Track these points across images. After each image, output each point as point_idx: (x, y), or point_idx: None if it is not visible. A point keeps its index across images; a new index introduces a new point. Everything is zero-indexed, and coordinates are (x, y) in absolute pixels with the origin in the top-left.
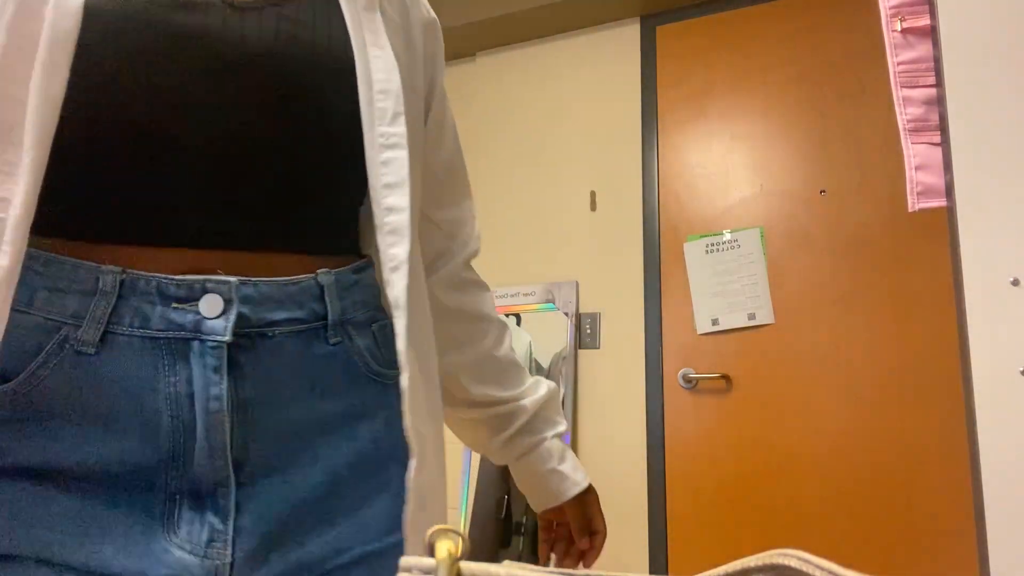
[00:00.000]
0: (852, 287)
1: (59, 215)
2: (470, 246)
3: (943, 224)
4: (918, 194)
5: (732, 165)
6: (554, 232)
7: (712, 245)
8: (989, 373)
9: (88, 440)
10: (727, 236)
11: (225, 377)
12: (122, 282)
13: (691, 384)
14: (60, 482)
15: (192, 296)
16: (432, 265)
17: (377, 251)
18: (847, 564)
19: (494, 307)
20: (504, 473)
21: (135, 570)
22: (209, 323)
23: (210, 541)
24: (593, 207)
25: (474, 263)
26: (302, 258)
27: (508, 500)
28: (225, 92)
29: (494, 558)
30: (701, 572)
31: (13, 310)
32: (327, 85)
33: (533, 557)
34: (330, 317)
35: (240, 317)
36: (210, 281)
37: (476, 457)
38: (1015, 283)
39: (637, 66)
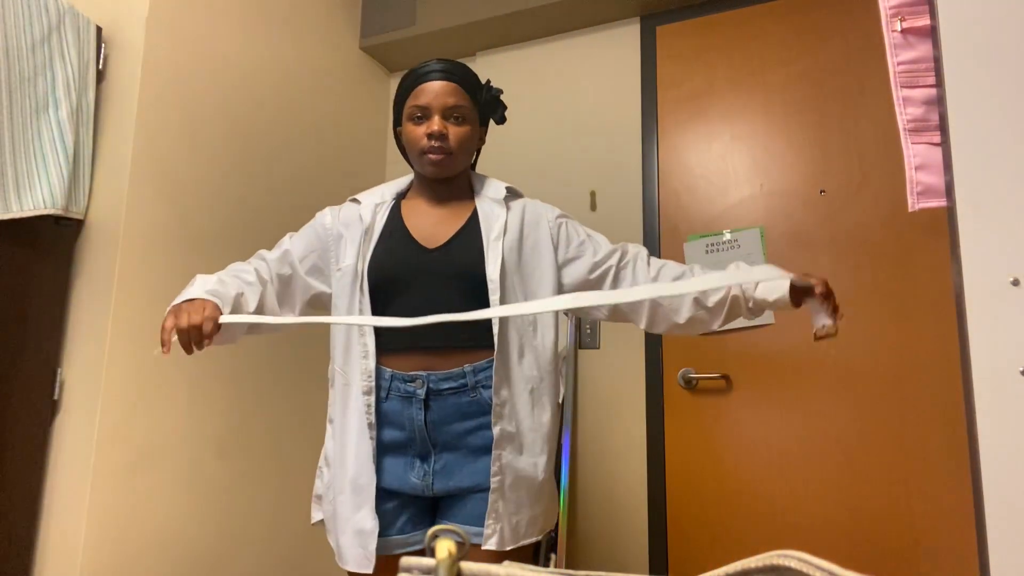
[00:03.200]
0: (852, 287)
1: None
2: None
3: (943, 224)
4: (918, 194)
5: (732, 165)
6: None
7: (712, 245)
8: (989, 373)
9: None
10: (727, 236)
11: (423, 410)
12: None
13: (691, 384)
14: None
15: (412, 379)
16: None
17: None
18: (847, 565)
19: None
20: None
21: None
22: (418, 391)
23: (424, 475)
24: (593, 207)
25: None
26: (460, 355)
27: None
28: (426, 290)
29: None
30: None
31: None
32: (464, 280)
33: (533, 557)
34: (468, 383)
35: (429, 387)
36: (419, 375)
37: None
38: (1015, 283)
39: (637, 66)
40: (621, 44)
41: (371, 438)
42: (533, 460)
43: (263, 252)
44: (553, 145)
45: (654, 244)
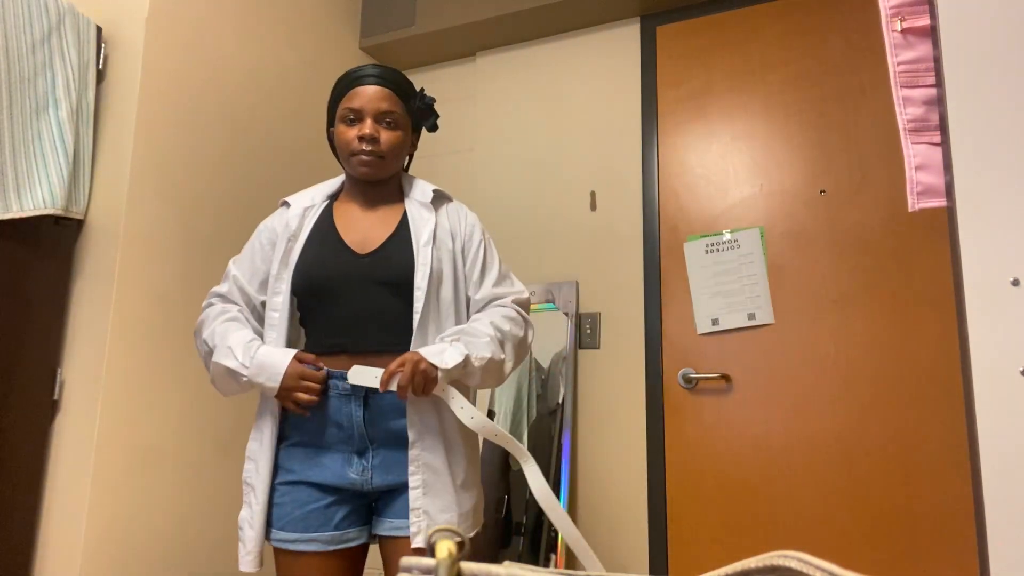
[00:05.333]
0: (852, 287)
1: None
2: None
3: (943, 224)
4: (918, 194)
5: (732, 165)
6: (554, 232)
7: (712, 245)
8: (989, 373)
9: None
10: (727, 236)
11: (362, 408)
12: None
13: (691, 384)
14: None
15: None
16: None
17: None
18: (847, 565)
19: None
20: (504, 473)
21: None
22: (357, 388)
23: (362, 471)
24: (593, 207)
25: None
26: (389, 358)
27: (508, 500)
28: (359, 297)
29: (494, 558)
30: (701, 573)
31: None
32: (396, 288)
33: (533, 557)
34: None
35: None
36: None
37: None
38: (1015, 283)
39: (637, 66)
40: (621, 44)
41: (274, 435)
42: (452, 457)
43: (217, 291)
44: (553, 145)
45: (654, 244)
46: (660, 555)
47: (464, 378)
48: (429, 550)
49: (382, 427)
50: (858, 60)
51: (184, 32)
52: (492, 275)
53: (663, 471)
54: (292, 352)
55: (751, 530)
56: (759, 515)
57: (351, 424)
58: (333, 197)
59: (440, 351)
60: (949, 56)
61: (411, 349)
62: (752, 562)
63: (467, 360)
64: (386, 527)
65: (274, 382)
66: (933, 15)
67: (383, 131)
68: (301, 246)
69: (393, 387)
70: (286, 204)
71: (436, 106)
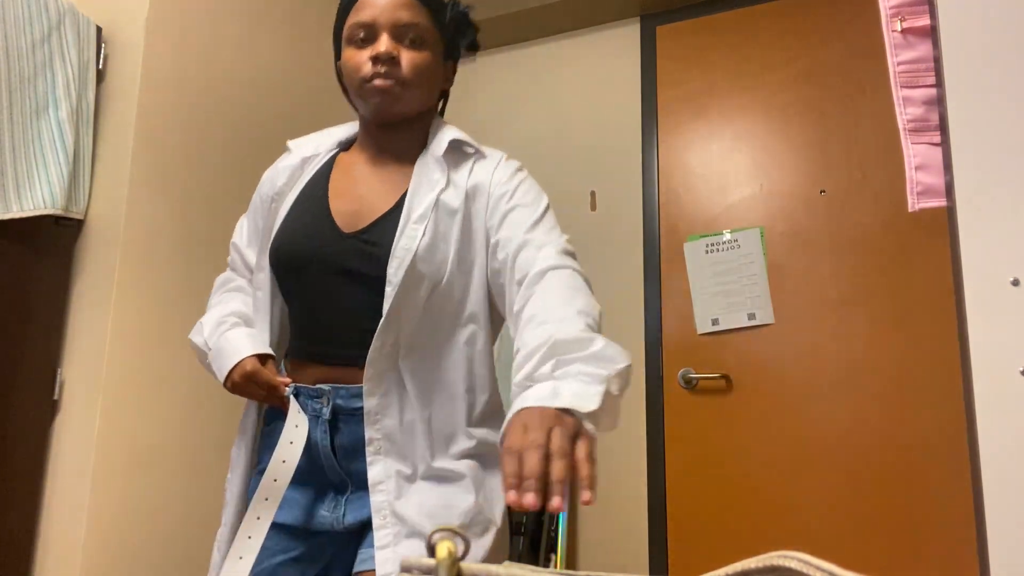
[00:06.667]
0: (852, 287)
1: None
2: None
3: (943, 224)
4: (918, 194)
5: (732, 165)
6: None
7: (712, 245)
8: (989, 373)
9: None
10: (727, 236)
11: (328, 434)
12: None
13: (691, 384)
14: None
15: (318, 395)
16: None
17: None
18: (847, 565)
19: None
20: None
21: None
22: (324, 409)
23: (335, 507)
24: (593, 207)
25: None
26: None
27: None
28: (334, 286)
29: None
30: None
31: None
32: (383, 280)
33: (533, 557)
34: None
35: (336, 405)
36: (323, 389)
37: None
38: (1015, 283)
39: (637, 66)
40: (621, 44)
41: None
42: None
43: (231, 265)
44: (553, 145)
45: (654, 244)
46: (660, 555)
47: (605, 420)
48: (429, 551)
49: (360, 461)
50: (858, 60)
51: (184, 32)
52: (524, 215)
53: (663, 471)
54: (256, 349)
55: (751, 530)
56: (759, 515)
57: (318, 454)
58: (344, 146)
59: (554, 392)
60: (949, 56)
61: (368, 371)
62: (752, 562)
63: (607, 391)
64: (365, 555)
65: (221, 375)
66: (933, 15)
67: (404, 50)
68: (285, 211)
69: (557, 503)
70: (288, 149)
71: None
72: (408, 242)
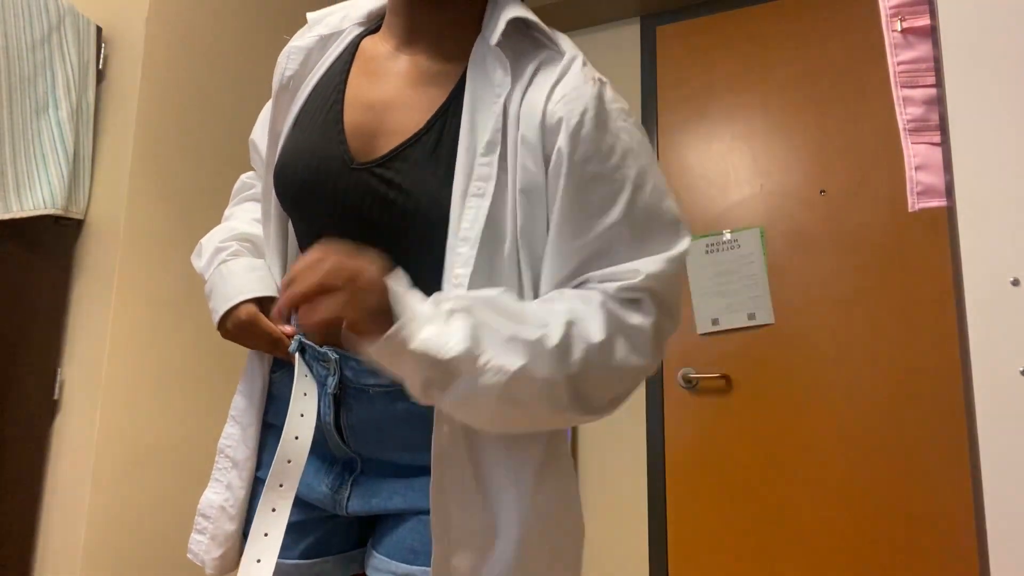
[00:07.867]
0: (852, 287)
1: None
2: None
3: (943, 224)
4: (918, 194)
5: (732, 165)
6: None
7: (712, 245)
8: (989, 373)
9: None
10: (727, 236)
11: (332, 409)
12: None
13: (691, 384)
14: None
15: (323, 358)
16: None
17: None
18: (847, 565)
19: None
20: None
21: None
22: (329, 379)
23: (338, 486)
24: None
25: None
26: None
27: None
28: (339, 234)
29: None
30: (701, 573)
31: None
32: (413, 239)
33: None
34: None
35: (345, 377)
36: (329, 353)
37: None
38: (1015, 283)
39: (637, 66)
40: (621, 44)
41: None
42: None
43: (253, 165)
44: None
45: None
46: (660, 555)
47: (439, 386)
48: None
49: (370, 445)
50: (858, 60)
51: (184, 32)
52: (610, 217)
53: (663, 471)
54: (255, 291)
55: (751, 530)
56: (759, 515)
57: (321, 430)
58: (372, 26)
59: (422, 312)
60: (949, 56)
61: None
62: None
63: (467, 354)
64: (380, 567)
65: (215, 316)
66: (933, 15)
67: None
68: (295, 114)
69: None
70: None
71: None
72: (477, 191)
